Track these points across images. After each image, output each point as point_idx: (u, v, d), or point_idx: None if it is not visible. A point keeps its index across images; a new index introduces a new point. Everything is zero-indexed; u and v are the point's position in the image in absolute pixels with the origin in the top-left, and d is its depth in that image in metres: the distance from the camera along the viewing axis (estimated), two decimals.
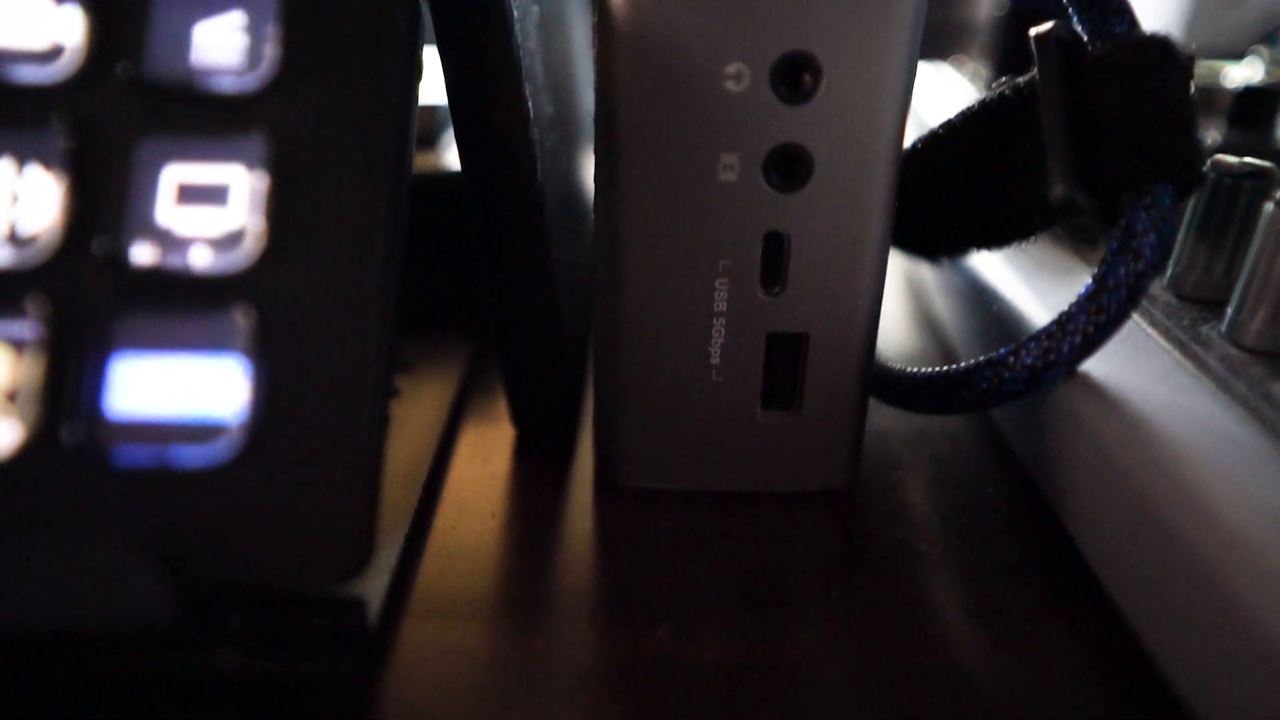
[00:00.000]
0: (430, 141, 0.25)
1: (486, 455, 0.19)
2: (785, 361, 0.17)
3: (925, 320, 0.26)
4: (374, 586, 0.14)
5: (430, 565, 0.16)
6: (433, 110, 0.25)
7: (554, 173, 0.19)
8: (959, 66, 0.31)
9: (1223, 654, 0.12)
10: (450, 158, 0.24)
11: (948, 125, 0.18)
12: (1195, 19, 0.29)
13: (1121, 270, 0.14)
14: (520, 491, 0.18)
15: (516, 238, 0.17)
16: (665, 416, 0.17)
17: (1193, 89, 0.15)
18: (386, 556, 0.15)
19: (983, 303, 0.20)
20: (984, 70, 0.29)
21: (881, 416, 0.21)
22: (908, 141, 0.16)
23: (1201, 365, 0.15)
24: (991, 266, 0.21)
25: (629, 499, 0.18)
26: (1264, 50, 0.26)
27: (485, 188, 0.17)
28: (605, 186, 0.16)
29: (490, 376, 0.22)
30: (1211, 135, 0.22)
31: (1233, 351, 0.15)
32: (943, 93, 0.29)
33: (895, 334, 0.25)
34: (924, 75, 0.30)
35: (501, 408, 0.21)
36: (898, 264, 0.29)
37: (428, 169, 0.24)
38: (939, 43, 0.32)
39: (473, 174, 0.17)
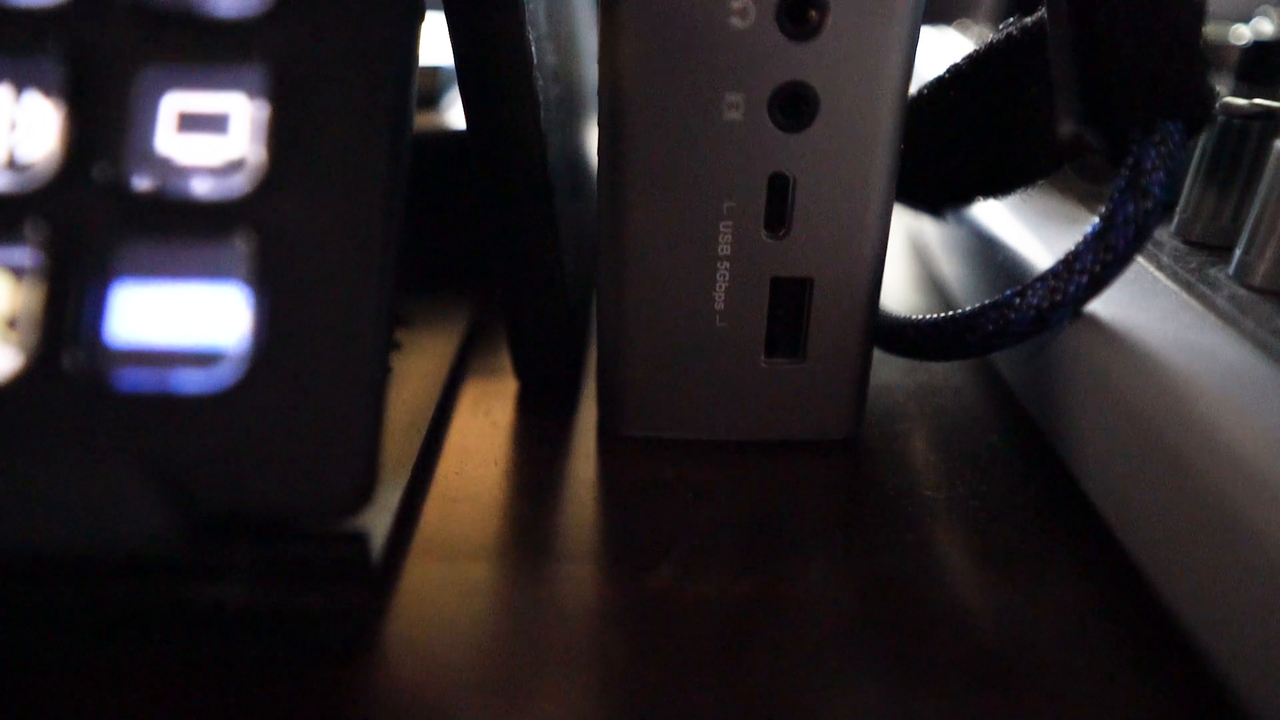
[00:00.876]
0: (432, 102, 0.25)
1: (489, 406, 0.19)
2: (790, 308, 0.17)
3: (930, 284, 0.26)
4: (378, 524, 0.14)
5: (433, 508, 0.16)
6: (435, 71, 0.25)
7: (557, 122, 0.19)
8: (964, 30, 0.31)
9: (1234, 586, 0.12)
10: (452, 117, 0.24)
11: (954, 69, 0.17)
12: None
13: (1130, 207, 0.14)
14: (523, 440, 0.18)
15: (520, 185, 0.17)
16: (669, 363, 0.17)
17: (1204, 26, 0.15)
18: (390, 496, 0.15)
19: (988, 255, 0.20)
20: (989, 34, 0.29)
21: (886, 371, 0.21)
22: (914, 90, 0.16)
23: (1209, 304, 0.15)
24: (996, 217, 0.20)
25: (632, 448, 0.18)
26: (1272, 10, 0.26)
27: (489, 135, 0.17)
28: (609, 127, 0.16)
29: (492, 333, 0.22)
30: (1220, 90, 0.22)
31: (1241, 291, 0.15)
32: (947, 56, 0.29)
33: (900, 297, 0.25)
34: (928, 39, 0.30)
35: (504, 362, 0.20)
36: (901, 226, 0.28)
37: (430, 129, 0.23)
38: (944, 7, 0.32)
39: (476, 122, 0.17)
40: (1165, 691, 0.13)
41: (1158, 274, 0.16)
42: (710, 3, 0.15)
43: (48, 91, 0.12)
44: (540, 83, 0.17)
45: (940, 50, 0.30)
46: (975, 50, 0.17)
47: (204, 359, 0.12)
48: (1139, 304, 0.16)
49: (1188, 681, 0.13)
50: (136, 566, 0.12)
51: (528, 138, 0.17)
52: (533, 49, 0.16)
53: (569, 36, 0.23)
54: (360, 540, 0.13)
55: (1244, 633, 0.12)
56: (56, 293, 0.12)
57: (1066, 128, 0.14)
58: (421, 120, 0.23)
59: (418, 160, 0.14)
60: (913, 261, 0.27)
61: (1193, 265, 0.16)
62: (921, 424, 0.19)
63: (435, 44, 0.22)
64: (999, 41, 0.17)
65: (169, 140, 0.12)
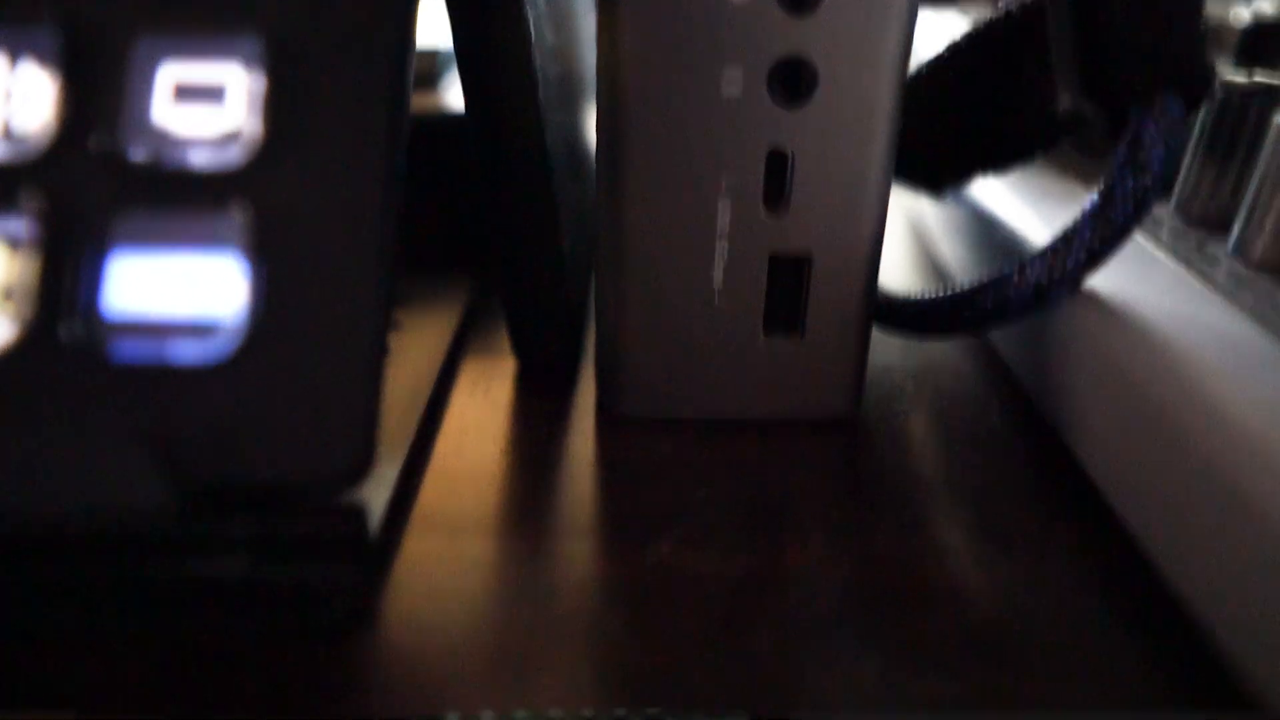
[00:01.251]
0: (431, 83, 0.25)
1: (488, 386, 0.19)
2: (788, 285, 0.17)
3: (929, 265, 0.26)
4: (376, 498, 0.14)
5: (431, 484, 0.16)
6: (433, 53, 0.25)
7: (556, 101, 0.19)
8: (965, 12, 0.31)
9: (1233, 559, 0.12)
10: (451, 99, 0.24)
11: (953, 46, 0.17)
12: None
13: (1129, 182, 0.14)
14: (522, 419, 0.18)
15: (518, 165, 0.17)
16: (667, 341, 0.17)
17: (1204, 2, 0.15)
18: (388, 471, 0.15)
19: (987, 234, 0.20)
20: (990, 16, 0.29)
21: (884, 352, 0.21)
22: (913, 67, 0.16)
23: (1208, 280, 0.15)
24: (995, 196, 0.20)
25: (631, 427, 0.18)
26: None
27: (487, 115, 0.17)
28: (608, 105, 0.16)
29: (490, 314, 0.22)
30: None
31: (1239, 267, 0.15)
32: (949, 38, 0.29)
33: (899, 278, 0.25)
34: (929, 21, 0.30)
35: (502, 342, 0.20)
36: (900, 208, 0.28)
37: (430, 110, 0.23)
38: None
39: (475, 102, 0.17)
40: (1165, 666, 0.13)
41: (1157, 251, 0.16)
42: None
43: (43, 61, 0.12)
44: (539, 62, 0.17)
45: (940, 34, 0.30)
46: (975, 26, 0.17)
47: (200, 330, 0.12)
48: (1138, 280, 0.16)
49: (1187, 656, 0.13)
50: (134, 539, 0.12)
51: (526, 117, 0.17)
52: (531, 28, 0.16)
53: (567, 15, 0.23)
54: (358, 515, 0.13)
55: (1244, 606, 0.12)
56: (52, 263, 0.12)
57: (1066, 102, 0.14)
58: (421, 102, 0.23)
59: (417, 142, 0.14)
60: (912, 243, 0.27)
61: (1191, 242, 0.16)
62: (920, 404, 0.19)
63: (434, 26, 0.22)
64: (999, 17, 0.17)
65: (165, 111, 0.12)
